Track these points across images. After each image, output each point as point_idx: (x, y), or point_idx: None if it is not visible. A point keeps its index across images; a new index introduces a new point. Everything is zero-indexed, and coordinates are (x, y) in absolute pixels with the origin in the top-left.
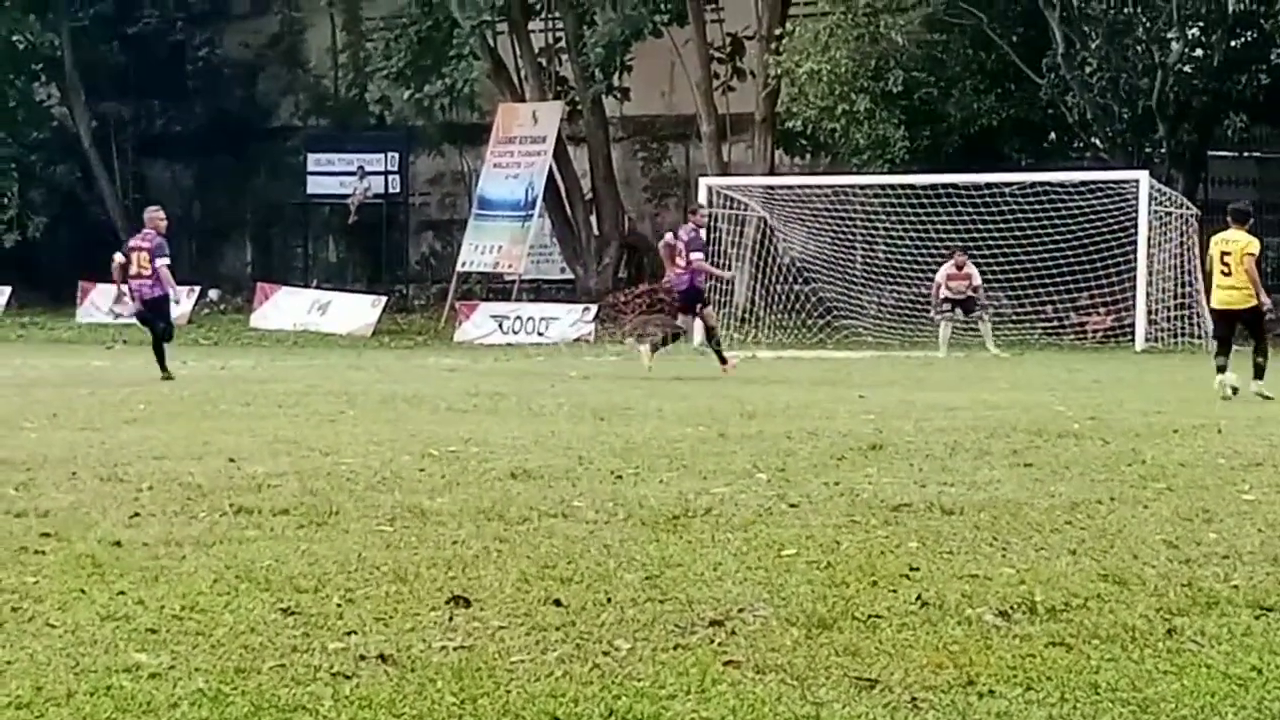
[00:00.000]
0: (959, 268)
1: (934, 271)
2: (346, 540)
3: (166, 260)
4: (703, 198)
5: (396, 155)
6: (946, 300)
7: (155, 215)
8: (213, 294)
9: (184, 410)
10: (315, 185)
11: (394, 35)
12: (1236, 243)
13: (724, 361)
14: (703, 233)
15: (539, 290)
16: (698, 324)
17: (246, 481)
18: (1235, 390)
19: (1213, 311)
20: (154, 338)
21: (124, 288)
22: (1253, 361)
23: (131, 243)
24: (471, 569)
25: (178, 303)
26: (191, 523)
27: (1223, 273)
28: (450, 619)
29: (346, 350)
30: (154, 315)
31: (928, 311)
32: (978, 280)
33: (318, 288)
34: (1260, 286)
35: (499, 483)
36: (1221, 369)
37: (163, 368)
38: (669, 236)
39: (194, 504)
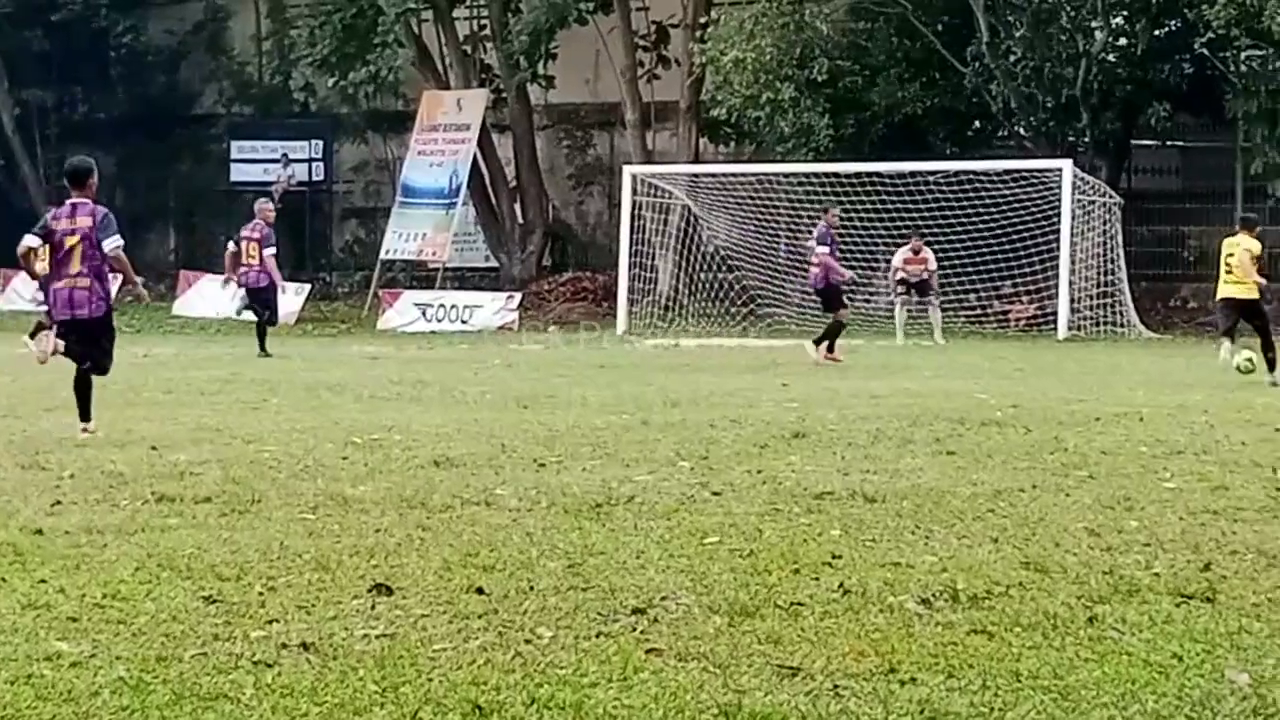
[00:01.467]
0: (915, 252)
1: (860, 259)
2: (269, 528)
3: (273, 250)
4: (627, 186)
5: (320, 143)
6: (902, 283)
7: (265, 207)
8: None
9: (106, 398)
10: (239, 173)
11: (319, 22)
12: (1239, 244)
13: (831, 350)
14: (832, 232)
15: (463, 278)
16: None
17: (168, 469)
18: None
19: (1220, 302)
20: (259, 322)
21: (233, 276)
22: (1264, 358)
23: (243, 232)
24: (394, 557)
25: (283, 290)
26: (113, 511)
27: (1226, 271)
28: (373, 607)
29: (270, 338)
30: (260, 303)
31: (851, 299)
32: (934, 265)
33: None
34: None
35: (422, 471)
36: (1228, 346)
37: (262, 347)
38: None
39: (116, 492)
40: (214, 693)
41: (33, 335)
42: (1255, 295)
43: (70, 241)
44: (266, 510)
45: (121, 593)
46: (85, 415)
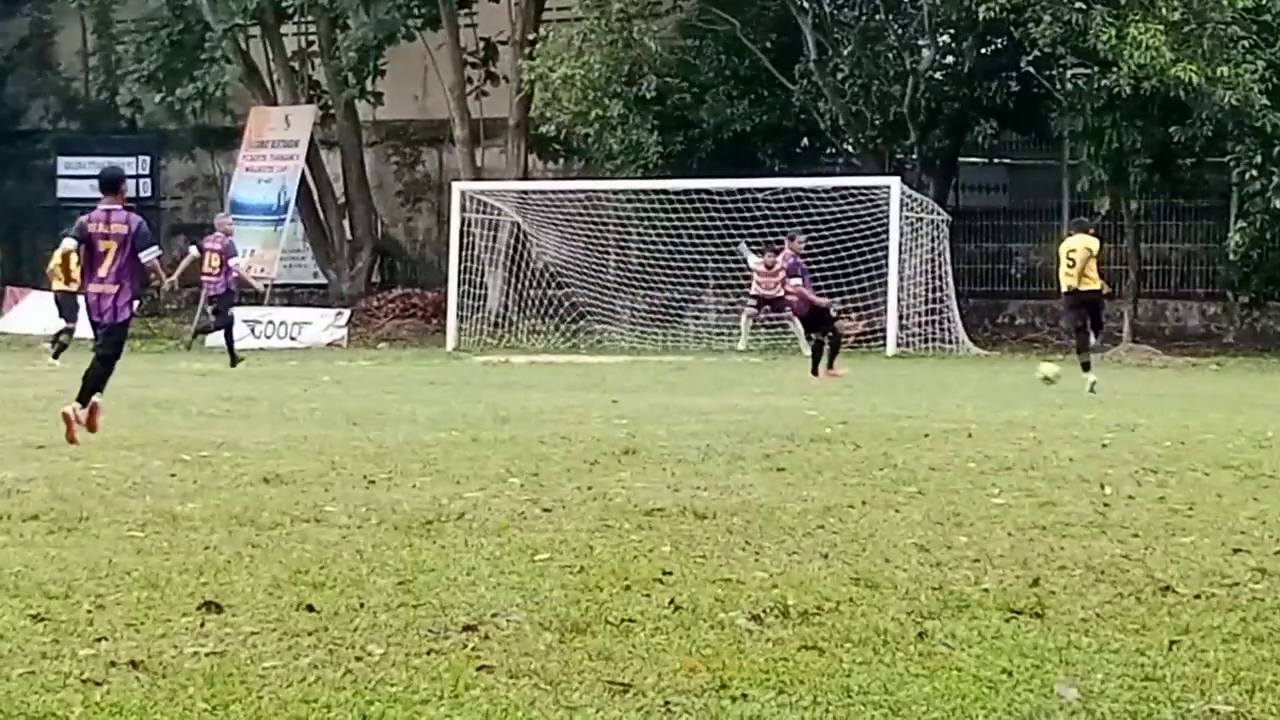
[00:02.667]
0: (768, 267)
1: (688, 277)
2: (97, 546)
3: (238, 260)
4: (456, 202)
5: (148, 159)
6: (755, 297)
7: (226, 221)
8: None
9: None
10: (65, 189)
11: (145, 38)
12: (1080, 243)
13: (831, 367)
14: (802, 261)
15: (291, 295)
16: None
17: None
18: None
19: (1066, 296)
20: (225, 328)
21: (174, 279)
22: (1082, 359)
23: (205, 244)
24: (223, 574)
25: (261, 291)
26: None
27: (1069, 265)
28: (202, 625)
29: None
30: (218, 310)
31: (681, 316)
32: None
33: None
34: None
35: (251, 488)
36: (1085, 366)
37: (231, 353)
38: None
39: None
40: (42, 712)
41: (55, 355)
42: (1098, 287)
43: (104, 245)
44: (94, 528)
45: None
46: (82, 399)
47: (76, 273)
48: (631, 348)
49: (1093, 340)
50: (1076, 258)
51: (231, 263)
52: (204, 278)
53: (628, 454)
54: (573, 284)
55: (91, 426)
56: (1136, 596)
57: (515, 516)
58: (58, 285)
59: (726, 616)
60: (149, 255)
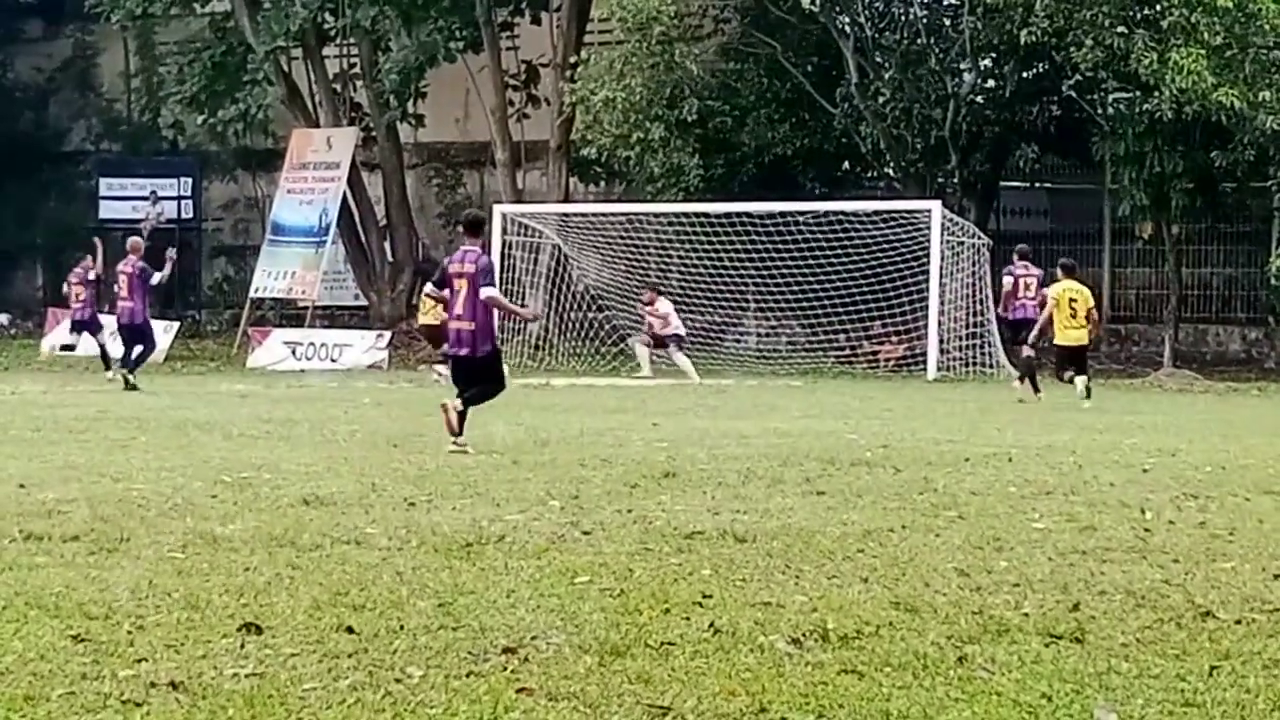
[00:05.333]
0: (649, 303)
1: (729, 300)
2: (137, 567)
3: (160, 277)
4: (497, 225)
5: (190, 180)
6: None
7: (138, 243)
8: (3, 319)
9: None
10: (107, 210)
11: (188, 60)
12: (1079, 290)
13: (1036, 390)
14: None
15: (332, 317)
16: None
17: (36, 507)
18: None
19: (1060, 349)
20: (128, 353)
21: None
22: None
23: (119, 267)
24: (263, 596)
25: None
26: None
27: (1071, 316)
28: (242, 646)
29: (139, 376)
30: (134, 335)
31: (721, 339)
32: (670, 316)
33: (109, 313)
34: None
35: (291, 509)
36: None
37: (128, 378)
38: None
39: None
40: None
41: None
42: (1087, 340)
43: (458, 284)
44: (135, 549)
45: None
46: (456, 431)
47: (428, 312)
48: (672, 370)
49: (1080, 385)
50: (1079, 307)
51: (154, 280)
52: (119, 302)
53: (668, 477)
54: (613, 307)
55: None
56: (1177, 622)
57: (555, 539)
58: (423, 320)
59: (766, 640)
60: (485, 293)
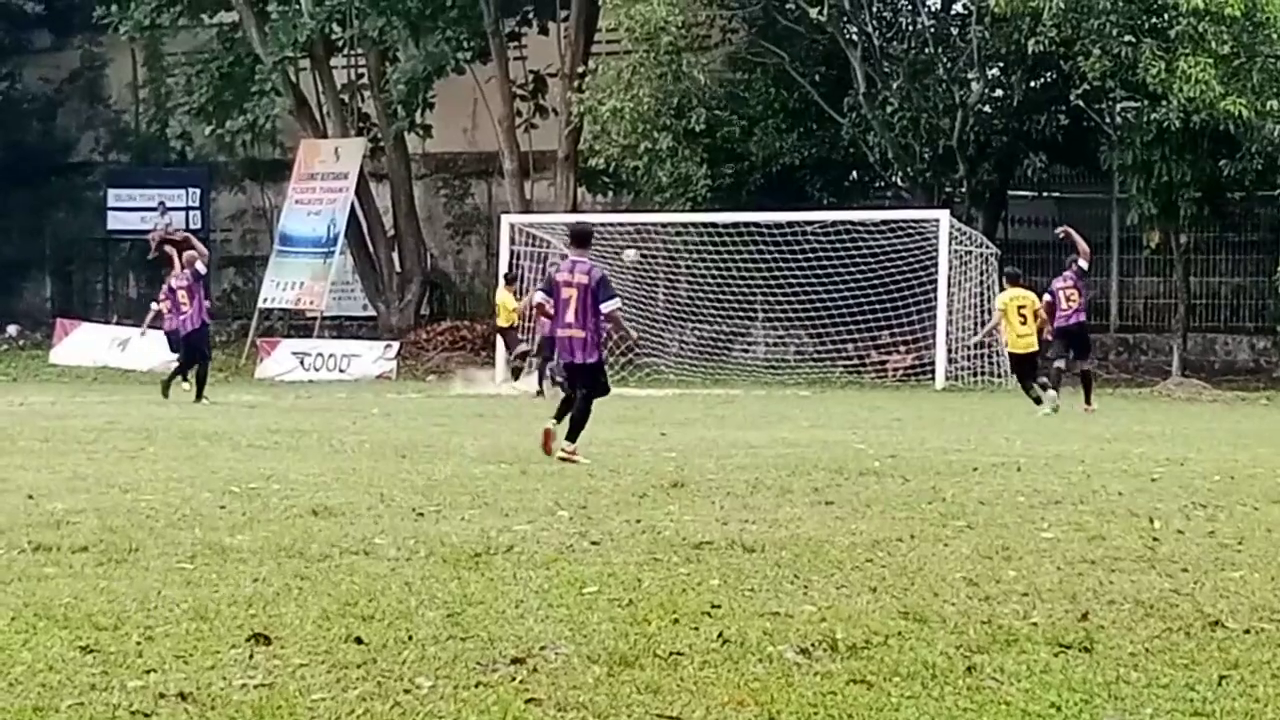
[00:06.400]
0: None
1: (737, 310)
2: (146, 578)
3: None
4: (505, 235)
5: (198, 191)
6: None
7: (193, 256)
8: (11, 329)
9: None
10: (116, 221)
11: (196, 71)
12: (1028, 297)
13: (1088, 401)
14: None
15: (341, 327)
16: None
17: (45, 518)
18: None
19: (1016, 358)
20: (193, 365)
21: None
22: (1039, 390)
23: (172, 282)
24: (272, 606)
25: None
26: None
27: (1021, 322)
28: (251, 657)
29: (147, 386)
30: (198, 344)
31: (729, 349)
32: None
33: (118, 324)
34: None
35: (300, 520)
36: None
37: (176, 384)
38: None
39: None
40: None
41: (515, 375)
42: (1037, 345)
43: (567, 293)
44: (144, 559)
45: None
46: (572, 436)
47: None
48: (680, 380)
49: (1048, 402)
50: (1027, 314)
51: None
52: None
53: (676, 487)
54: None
55: (547, 450)
56: (1186, 631)
57: (563, 549)
58: (502, 322)
59: (775, 650)
60: (609, 306)
